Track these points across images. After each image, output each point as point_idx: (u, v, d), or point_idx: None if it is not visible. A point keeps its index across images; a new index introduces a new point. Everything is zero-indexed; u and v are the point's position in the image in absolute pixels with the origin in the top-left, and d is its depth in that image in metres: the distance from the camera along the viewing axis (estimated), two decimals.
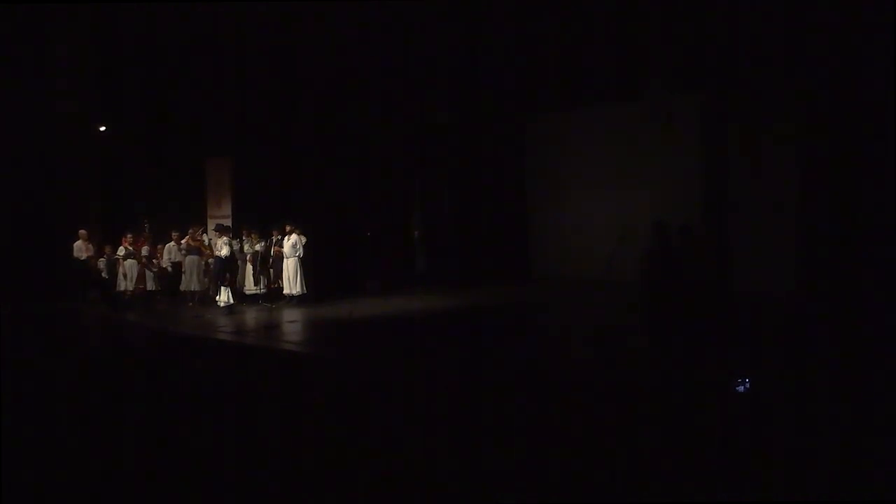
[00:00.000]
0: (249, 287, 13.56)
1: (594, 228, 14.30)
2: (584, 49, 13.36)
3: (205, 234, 14.21)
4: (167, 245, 13.71)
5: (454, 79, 15.09)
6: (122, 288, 13.53)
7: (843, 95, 9.72)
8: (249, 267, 13.55)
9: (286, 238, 12.98)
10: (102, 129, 15.96)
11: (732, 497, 4.59)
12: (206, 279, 13.54)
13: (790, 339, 8.18)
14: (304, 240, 12.94)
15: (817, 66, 9.98)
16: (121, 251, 13.51)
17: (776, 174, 11.76)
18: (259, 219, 14.16)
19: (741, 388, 6.44)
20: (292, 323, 11.45)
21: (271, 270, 13.50)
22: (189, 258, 13.42)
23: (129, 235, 13.60)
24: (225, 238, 12.77)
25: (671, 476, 4.76)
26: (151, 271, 13.67)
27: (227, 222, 14.32)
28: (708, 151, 12.82)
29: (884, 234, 8.52)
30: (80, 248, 13.73)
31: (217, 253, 12.90)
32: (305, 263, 13.06)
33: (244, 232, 13.86)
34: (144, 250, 13.61)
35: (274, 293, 13.43)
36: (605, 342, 8.80)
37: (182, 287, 13.52)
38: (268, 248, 13.35)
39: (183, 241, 13.56)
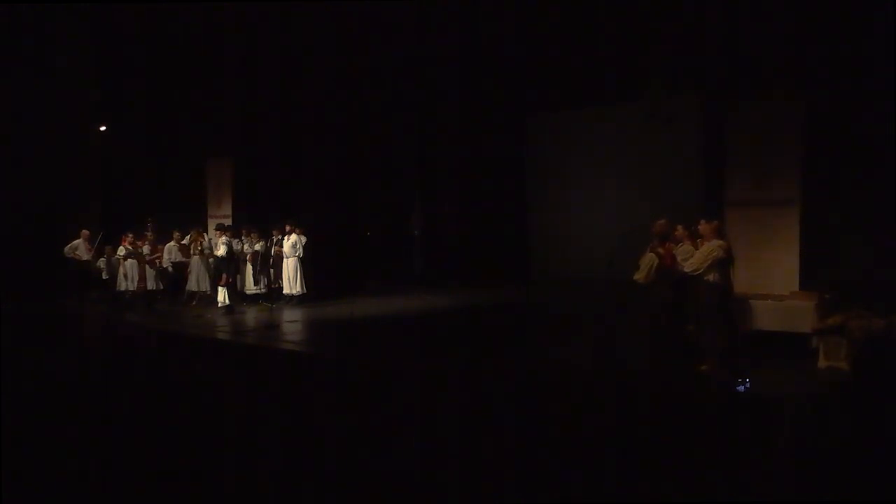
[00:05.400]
0: (249, 287, 13.57)
1: (594, 228, 14.29)
2: (585, 49, 13.35)
3: (204, 234, 14.22)
4: (167, 245, 13.71)
5: (454, 78, 15.08)
6: (123, 288, 13.54)
7: (845, 95, 9.72)
8: (249, 267, 13.56)
9: (286, 238, 12.99)
10: (102, 129, 15.97)
11: (732, 497, 4.59)
12: (207, 280, 13.55)
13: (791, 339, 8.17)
14: (304, 240, 12.95)
15: (819, 65, 9.98)
16: (121, 251, 13.51)
17: (777, 174, 11.74)
18: (259, 219, 14.17)
19: (741, 388, 6.45)
20: (292, 323, 11.45)
21: (272, 270, 13.51)
22: (195, 259, 13.43)
23: (129, 235, 13.60)
24: (224, 238, 12.78)
25: (671, 476, 4.76)
26: (153, 269, 13.63)
27: (228, 222, 14.33)
28: (708, 151, 12.82)
29: (888, 233, 8.51)
30: (80, 248, 13.73)
31: (216, 253, 12.91)
32: (305, 263, 13.07)
33: (244, 232, 13.87)
34: (145, 249, 13.60)
35: (274, 293, 13.44)
36: (604, 342, 8.78)
37: (188, 287, 13.52)
38: (268, 248, 13.36)
39: (183, 242, 13.57)
